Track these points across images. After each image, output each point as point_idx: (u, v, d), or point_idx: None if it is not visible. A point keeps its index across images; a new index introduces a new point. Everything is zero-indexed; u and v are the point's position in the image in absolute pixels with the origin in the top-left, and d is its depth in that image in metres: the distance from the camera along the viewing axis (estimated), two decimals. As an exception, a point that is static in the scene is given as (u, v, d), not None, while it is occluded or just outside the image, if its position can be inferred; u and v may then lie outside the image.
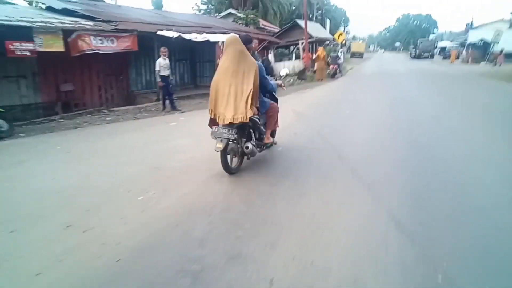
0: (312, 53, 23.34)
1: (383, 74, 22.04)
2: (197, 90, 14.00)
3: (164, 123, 8.16)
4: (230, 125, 4.02)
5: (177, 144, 6.00)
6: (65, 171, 4.73)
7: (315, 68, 21.23)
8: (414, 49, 52.69)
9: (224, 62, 4.20)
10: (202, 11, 38.84)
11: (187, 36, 11.01)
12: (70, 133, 7.49)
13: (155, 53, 10.63)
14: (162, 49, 9.64)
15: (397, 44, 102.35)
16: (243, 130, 4.30)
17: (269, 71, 16.78)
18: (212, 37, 11.91)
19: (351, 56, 48.47)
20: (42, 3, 12.53)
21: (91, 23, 9.87)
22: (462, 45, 48.37)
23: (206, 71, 15.77)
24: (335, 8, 69.55)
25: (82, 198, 3.75)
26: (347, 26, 75.16)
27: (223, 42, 15.48)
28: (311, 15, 36.62)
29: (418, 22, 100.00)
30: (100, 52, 9.51)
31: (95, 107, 10.78)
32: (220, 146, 4.00)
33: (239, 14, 25.53)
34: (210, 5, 39.76)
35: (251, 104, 4.04)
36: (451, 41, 62.33)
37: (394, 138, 6.21)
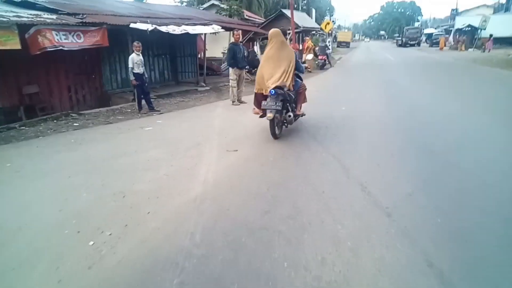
0: (298, 44, 22.40)
1: (373, 64, 21.31)
2: (179, 87, 12.97)
3: (138, 128, 7.18)
4: (276, 97, 5.08)
5: (149, 157, 5.07)
6: (5, 201, 3.77)
7: (303, 59, 20.45)
8: (400, 37, 52.22)
9: (269, 51, 5.52)
10: (185, 3, 37.42)
11: (163, 29, 9.97)
12: (29, 144, 6.46)
13: (129, 48, 9.61)
14: (135, 43, 8.62)
15: (382, 32, 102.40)
16: (284, 103, 5.29)
17: (256, 63, 16.03)
18: (191, 29, 10.89)
19: (337, 46, 47.73)
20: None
21: (54, 16, 8.75)
22: (447, 31, 48.31)
23: (188, 66, 14.70)
24: (320, -3, 68.52)
25: (13, 246, 2.83)
26: (332, 15, 74.24)
27: (205, 34, 14.52)
28: (296, 5, 35.58)
29: (402, 9, 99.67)
30: (65, 49, 8.42)
31: (64, 110, 9.70)
32: (271, 115, 5.05)
33: (222, 5, 24.41)
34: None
35: (292, 78, 5.39)
36: (436, 28, 62.17)
37: (401, 143, 5.39)
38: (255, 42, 21.95)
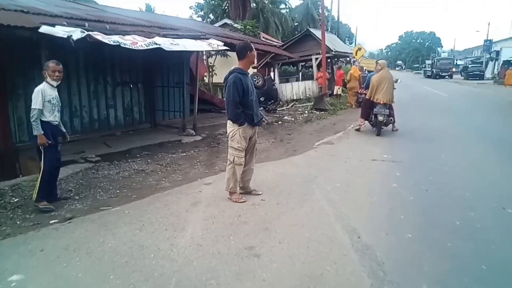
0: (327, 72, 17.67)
1: (423, 101, 16.33)
2: (153, 136, 8.14)
3: None
4: (384, 105, 7.74)
5: None
6: None
7: (335, 92, 15.93)
8: (430, 68, 47.17)
9: (382, 73, 8.06)
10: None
11: (110, 40, 5.20)
12: None
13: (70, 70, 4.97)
14: (50, 64, 3.97)
15: (399, 62, 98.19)
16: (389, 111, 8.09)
17: (273, 93, 10.61)
18: (169, 44, 6.15)
19: (361, 75, 43.25)
20: None
21: None
22: (475, 62, 44.03)
23: (174, 102, 9.85)
24: (340, 25, 64.65)
25: None
26: (351, 43, 69.99)
27: (200, 52, 9.78)
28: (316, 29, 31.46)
29: (421, 40, 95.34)
30: None
31: None
32: (381, 118, 7.67)
33: (235, 25, 20.16)
34: (207, 18, 34.66)
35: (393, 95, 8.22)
36: (461, 59, 57.13)
37: None
38: (272, 68, 17.28)
